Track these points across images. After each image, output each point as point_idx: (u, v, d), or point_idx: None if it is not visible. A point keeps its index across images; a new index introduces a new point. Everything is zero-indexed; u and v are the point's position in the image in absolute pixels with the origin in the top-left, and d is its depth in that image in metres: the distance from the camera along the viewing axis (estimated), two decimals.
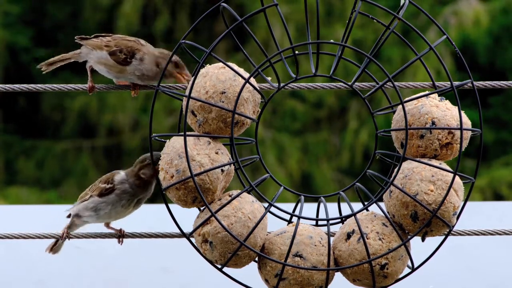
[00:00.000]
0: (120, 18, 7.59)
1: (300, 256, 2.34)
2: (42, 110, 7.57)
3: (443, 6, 7.64)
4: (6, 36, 7.55)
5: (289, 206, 2.50)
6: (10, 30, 7.56)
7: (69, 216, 2.54)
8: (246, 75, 2.36)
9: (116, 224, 2.55)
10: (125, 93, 2.59)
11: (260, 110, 2.42)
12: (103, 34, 2.56)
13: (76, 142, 7.52)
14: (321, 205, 2.50)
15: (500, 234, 2.54)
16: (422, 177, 2.33)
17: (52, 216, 2.61)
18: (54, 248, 2.56)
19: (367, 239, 2.34)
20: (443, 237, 2.39)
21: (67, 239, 2.53)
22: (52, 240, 2.56)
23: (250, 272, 2.43)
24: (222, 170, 2.35)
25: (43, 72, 2.59)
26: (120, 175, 2.50)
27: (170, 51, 2.49)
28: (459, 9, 7.63)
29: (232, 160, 2.38)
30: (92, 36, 2.56)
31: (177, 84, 2.52)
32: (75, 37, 2.57)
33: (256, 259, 2.41)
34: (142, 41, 2.53)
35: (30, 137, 7.51)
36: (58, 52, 2.60)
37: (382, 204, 2.39)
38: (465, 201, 2.37)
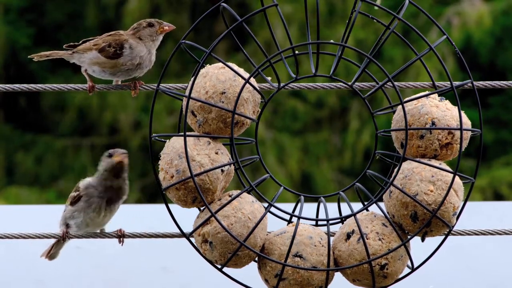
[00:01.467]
0: (124, 17, 7.59)
1: (300, 256, 2.34)
2: (42, 108, 7.57)
3: (446, 6, 7.64)
4: (6, 34, 7.55)
5: (289, 206, 2.50)
6: (11, 28, 7.55)
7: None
8: (246, 75, 2.36)
9: (115, 224, 2.55)
10: (126, 92, 2.59)
11: (260, 110, 2.42)
12: (90, 38, 2.58)
13: (76, 139, 7.53)
14: (321, 205, 2.50)
15: (500, 234, 2.54)
16: (422, 177, 2.33)
17: (52, 216, 2.61)
18: (50, 254, 2.57)
19: (367, 239, 2.34)
20: (443, 237, 2.39)
21: (68, 240, 2.53)
22: (48, 245, 2.56)
23: (250, 272, 2.43)
24: (222, 170, 2.35)
25: (34, 60, 2.60)
26: (85, 180, 2.54)
27: (170, 50, 2.49)
28: (462, 10, 7.63)
29: (232, 160, 2.38)
30: (80, 42, 2.58)
31: (177, 84, 2.53)
32: (64, 46, 2.59)
33: (256, 259, 2.41)
34: (121, 31, 2.57)
35: (30, 133, 7.51)
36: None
37: (382, 204, 2.39)
38: (465, 201, 2.37)
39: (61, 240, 2.53)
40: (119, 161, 2.49)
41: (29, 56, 2.60)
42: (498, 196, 7.27)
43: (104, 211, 2.51)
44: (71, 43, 2.59)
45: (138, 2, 7.58)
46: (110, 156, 2.51)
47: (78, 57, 2.57)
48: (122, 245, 2.53)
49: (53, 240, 2.56)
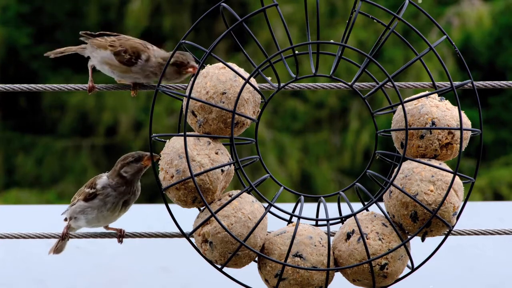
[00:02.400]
0: (124, 18, 7.58)
1: (300, 256, 2.34)
2: (42, 108, 7.57)
3: (446, 7, 7.64)
4: (5, 34, 7.54)
5: (289, 206, 2.50)
6: (10, 27, 7.55)
7: (66, 219, 2.55)
8: (246, 75, 2.36)
9: (116, 224, 2.55)
10: (126, 92, 2.59)
11: (260, 110, 2.42)
12: (108, 33, 2.55)
13: (76, 140, 7.52)
14: (321, 205, 2.50)
15: (500, 234, 2.54)
16: (422, 177, 2.33)
17: (52, 216, 2.60)
18: (57, 248, 2.56)
19: (367, 239, 2.34)
20: (443, 237, 2.39)
21: (67, 239, 2.53)
22: (54, 242, 2.56)
23: (250, 272, 2.43)
24: (222, 170, 2.35)
25: (50, 57, 2.59)
26: (102, 179, 2.50)
27: (171, 50, 2.49)
28: (462, 10, 7.63)
29: (232, 160, 2.38)
30: (97, 33, 2.55)
31: (177, 84, 2.52)
32: (80, 32, 2.56)
33: (256, 259, 2.41)
34: (149, 45, 2.52)
35: (30, 133, 7.50)
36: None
37: (382, 204, 2.39)
38: (465, 201, 2.37)
39: (60, 239, 2.53)
40: (147, 165, 2.48)
41: (45, 54, 2.58)
42: (497, 197, 7.26)
43: (119, 211, 2.50)
44: (88, 32, 2.56)
45: (140, 3, 7.57)
46: (138, 161, 2.48)
47: (91, 50, 2.54)
48: (121, 244, 2.53)
49: (54, 240, 2.55)
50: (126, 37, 2.54)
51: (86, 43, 2.56)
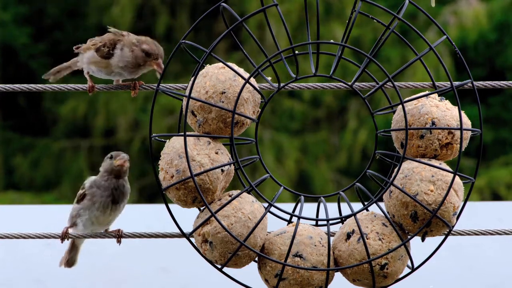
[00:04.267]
0: (118, 18, 7.58)
1: (300, 256, 2.35)
2: (41, 109, 7.56)
3: (442, 5, 7.65)
4: (5, 33, 7.54)
5: (289, 206, 2.50)
6: (9, 27, 7.54)
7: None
8: (246, 75, 2.36)
9: (115, 224, 2.55)
10: (125, 93, 2.58)
11: (260, 110, 2.42)
12: (94, 38, 2.57)
13: (74, 141, 7.51)
14: (321, 205, 2.50)
15: (499, 234, 2.54)
16: (422, 177, 2.33)
17: (52, 216, 2.60)
18: (68, 261, 2.58)
19: (367, 239, 2.34)
20: (443, 237, 2.40)
21: (66, 240, 2.53)
22: (64, 253, 2.57)
23: (250, 272, 2.43)
24: (222, 170, 2.35)
25: (50, 81, 2.61)
26: (90, 179, 2.55)
27: (170, 50, 2.49)
28: (458, 9, 7.64)
29: (232, 160, 2.38)
30: (87, 41, 2.57)
31: (177, 84, 2.53)
32: (74, 47, 2.58)
33: (256, 259, 2.41)
34: (125, 32, 2.55)
35: (29, 134, 7.49)
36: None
37: (382, 204, 2.39)
38: (465, 201, 2.37)
39: (61, 241, 2.53)
40: (119, 165, 2.51)
41: (43, 76, 2.61)
42: (496, 197, 7.27)
43: (109, 210, 2.51)
44: (79, 45, 2.58)
45: (128, 3, 7.56)
46: (112, 158, 2.52)
47: (81, 58, 2.57)
48: (119, 245, 2.53)
49: (53, 240, 2.55)
50: (108, 33, 2.56)
51: (76, 51, 2.58)
